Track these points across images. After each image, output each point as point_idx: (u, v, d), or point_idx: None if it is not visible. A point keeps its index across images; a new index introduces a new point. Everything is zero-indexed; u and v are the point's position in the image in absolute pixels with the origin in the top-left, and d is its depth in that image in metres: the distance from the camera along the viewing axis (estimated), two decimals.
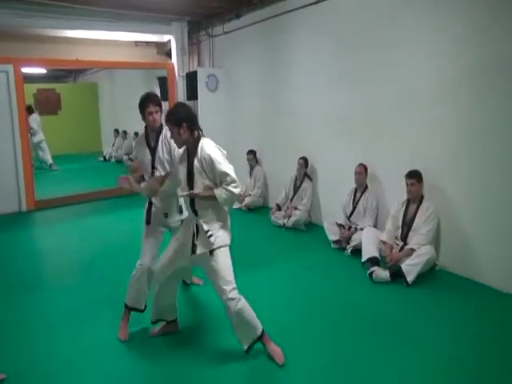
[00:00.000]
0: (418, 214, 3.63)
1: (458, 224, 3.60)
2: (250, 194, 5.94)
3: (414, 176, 3.62)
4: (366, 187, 4.30)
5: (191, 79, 6.73)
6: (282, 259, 4.07)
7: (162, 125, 2.85)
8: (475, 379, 2.31)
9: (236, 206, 5.87)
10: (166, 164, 2.85)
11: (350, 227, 4.30)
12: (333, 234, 4.34)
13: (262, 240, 4.67)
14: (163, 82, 7.48)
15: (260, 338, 2.45)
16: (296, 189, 5.15)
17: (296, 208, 5.06)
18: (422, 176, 3.64)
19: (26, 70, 6.14)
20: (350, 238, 4.18)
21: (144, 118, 2.81)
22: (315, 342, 2.67)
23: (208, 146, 2.33)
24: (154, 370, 2.43)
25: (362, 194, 4.28)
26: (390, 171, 4.12)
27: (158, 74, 7.73)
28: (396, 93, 4.02)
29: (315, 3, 4.76)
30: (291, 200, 5.17)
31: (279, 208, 5.26)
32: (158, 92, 7.89)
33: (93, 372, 2.41)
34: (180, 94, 7.23)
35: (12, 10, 5.61)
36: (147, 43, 8.18)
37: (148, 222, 2.86)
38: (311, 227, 5.01)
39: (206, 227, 2.36)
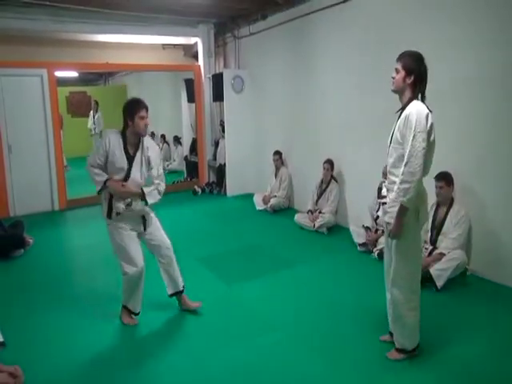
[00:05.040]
0: (447, 218, 3.53)
1: (491, 228, 3.47)
2: (275, 196, 5.92)
3: (443, 178, 3.51)
4: None
5: (217, 81, 6.78)
6: (308, 261, 4.04)
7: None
8: None
9: (261, 207, 5.88)
10: (142, 175, 2.79)
11: (376, 230, 4.23)
12: (359, 237, 4.28)
13: (287, 241, 4.65)
14: (190, 83, 7.59)
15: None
16: (322, 192, 5.10)
17: (322, 211, 4.99)
18: (453, 178, 3.54)
19: (58, 73, 6.34)
20: (376, 240, 4.11)
21: (132, 122, 2.69)
22: (339, 344, 2.63)
23: None
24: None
25: None
26: None
27: (185, 76, 7.83)
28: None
29: (343, 2, 4.71)
30: (316, 202, 5.13)
31: (312, 213, 5.13)
32: (184, 93, 8.02)
33: None
34: (206, 95, 7.31)
35: (46, 15, 5.84)
36: (174, 46, 8.33)
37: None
38: (337, 229, 4.95)
39: None
